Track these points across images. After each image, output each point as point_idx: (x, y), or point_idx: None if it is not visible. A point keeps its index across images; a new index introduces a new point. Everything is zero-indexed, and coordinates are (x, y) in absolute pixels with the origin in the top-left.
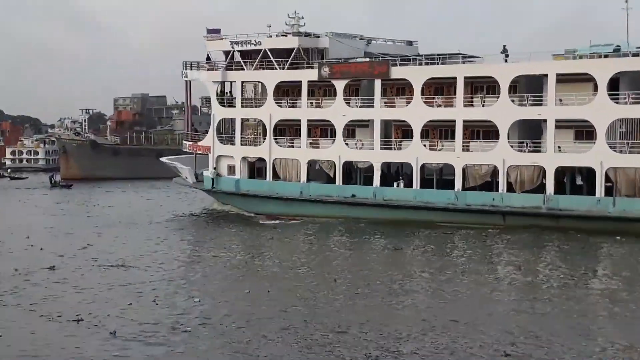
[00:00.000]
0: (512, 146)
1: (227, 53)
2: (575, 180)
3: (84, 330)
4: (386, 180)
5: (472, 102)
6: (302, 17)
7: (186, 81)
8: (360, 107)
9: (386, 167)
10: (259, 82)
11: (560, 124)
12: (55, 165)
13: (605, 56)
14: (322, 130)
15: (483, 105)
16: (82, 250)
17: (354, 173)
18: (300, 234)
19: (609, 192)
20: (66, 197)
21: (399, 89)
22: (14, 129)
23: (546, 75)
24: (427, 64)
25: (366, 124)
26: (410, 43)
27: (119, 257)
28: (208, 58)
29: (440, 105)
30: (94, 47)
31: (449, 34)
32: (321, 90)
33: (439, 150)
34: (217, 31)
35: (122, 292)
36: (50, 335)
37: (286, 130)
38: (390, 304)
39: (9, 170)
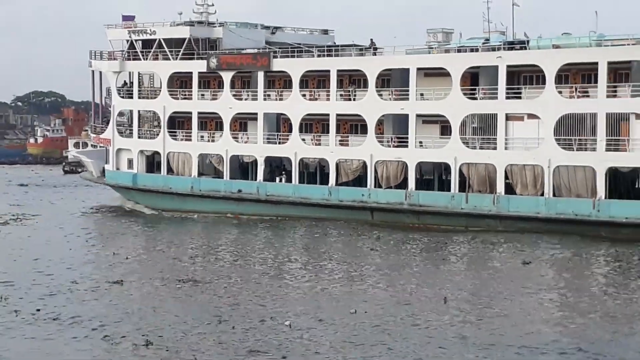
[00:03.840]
0: (379, 141)
1: (129, 42)
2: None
3: None
4: (273, 175)
5: (349, 96)
6: (212, 5)
7: (92, 71)
8: (246, 100)
9: (278, 161)
10: (154, 73)
11: (427, 119)
12: None
13: (472, 50)
14: (217, 123)
15: (354, 99)
16: None
17: (249, 168)
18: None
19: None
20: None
21: (286, 82)
22: (77, 116)
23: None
24: (319, 56)
25: (256, 117)
26: (325, 32)
27: None
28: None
29: (316, 99)
30: None
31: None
32: (215, 82)
33: (316, 144)
34: (132, 18)
35: None
36: None
37: (184, 123)
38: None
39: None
